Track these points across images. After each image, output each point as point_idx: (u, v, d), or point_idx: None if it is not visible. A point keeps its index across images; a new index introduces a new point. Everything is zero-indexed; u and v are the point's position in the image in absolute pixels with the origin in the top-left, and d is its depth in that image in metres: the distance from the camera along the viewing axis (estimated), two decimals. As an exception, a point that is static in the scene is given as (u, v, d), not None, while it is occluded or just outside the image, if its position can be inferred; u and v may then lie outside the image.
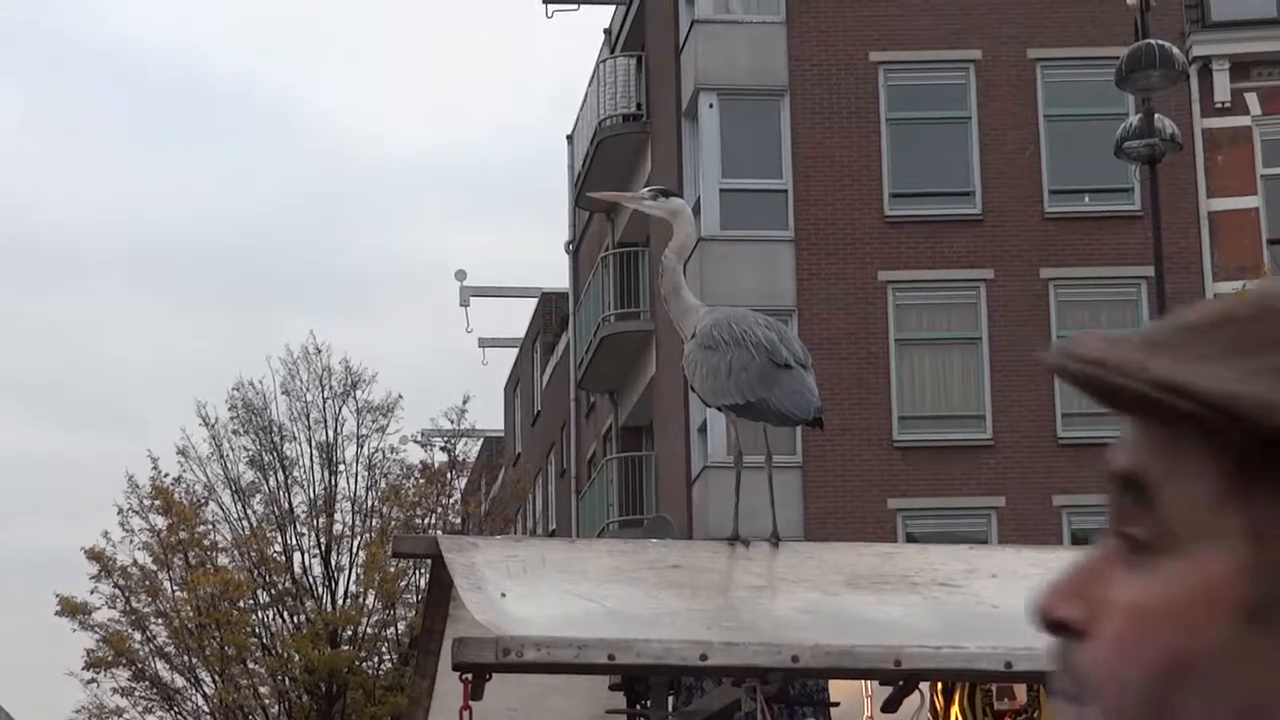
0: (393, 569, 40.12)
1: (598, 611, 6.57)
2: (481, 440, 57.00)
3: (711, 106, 37.59)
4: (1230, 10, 37.69)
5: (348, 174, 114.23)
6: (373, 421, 44.25)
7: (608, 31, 46.46)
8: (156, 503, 43.24)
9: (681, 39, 39.11)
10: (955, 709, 8.11)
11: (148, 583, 42.88)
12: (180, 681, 43.53)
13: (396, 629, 42.37)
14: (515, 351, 59.83)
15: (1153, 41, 23.24)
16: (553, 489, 52.99)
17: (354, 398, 44.36)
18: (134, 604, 43.07)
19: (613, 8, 46.15)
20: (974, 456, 36.25)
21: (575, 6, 45.84)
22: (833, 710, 7.68)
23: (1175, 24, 34.69)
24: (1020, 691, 8.30)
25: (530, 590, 6.71)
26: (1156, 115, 23.17)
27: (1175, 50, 24.18)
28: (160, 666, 43.55)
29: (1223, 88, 36.97)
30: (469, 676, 6.04)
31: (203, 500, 43.99)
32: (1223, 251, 36.18)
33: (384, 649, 43.32)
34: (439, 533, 36.02)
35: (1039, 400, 35.85)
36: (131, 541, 43.23)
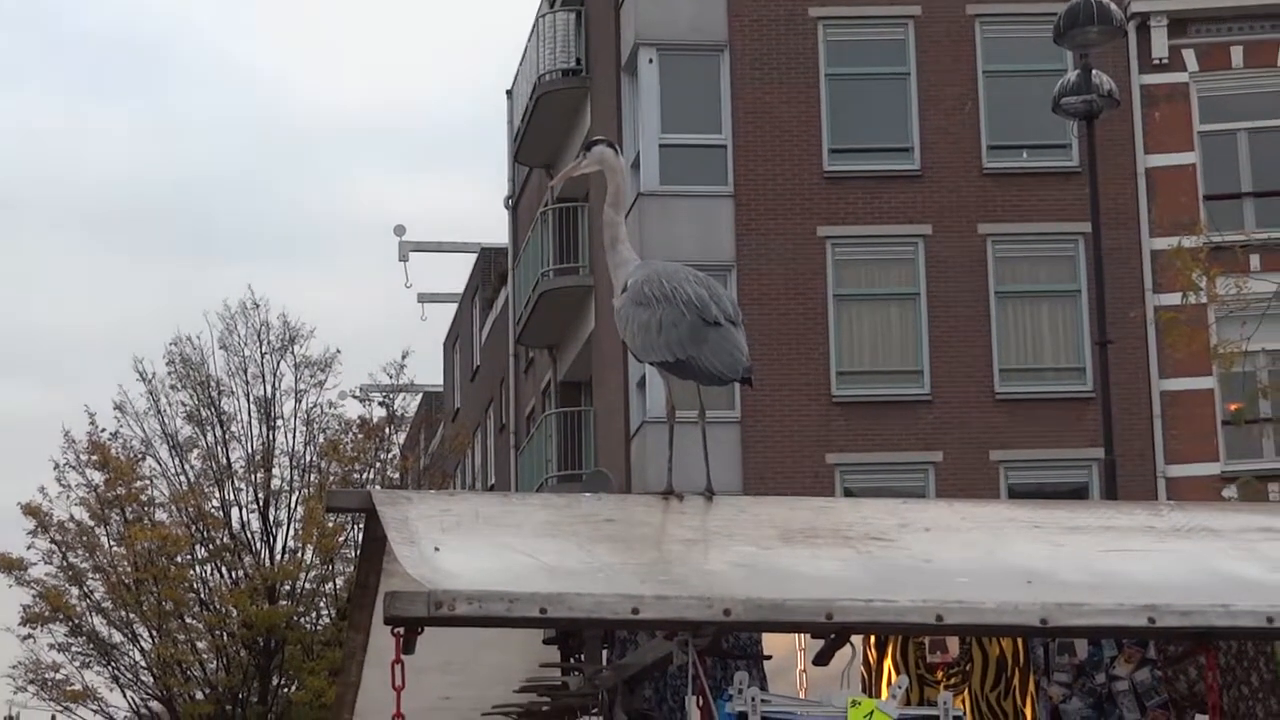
0: (331, 524, 40.14)
1: (531, 565, 6.59)
2: (420, 395, 57.27)
3: (651, 62, 37.57)
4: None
5: (291, 132, 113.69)
6: (311, 376, 44.12)
7: (546, -15, 46.38)
8: (94, 458, 43.11)
9: (621, -8, 39.11)
10: (888, 662, 8.18)
11: (85, 538, 42.84)
12: (118, 637, 43.47)
13: (335, 584, 42.37)
14: (455, 307, 59.87)
15: (1088, -1, 23.38)
16: (492, 444, 53.04)
17: (292, 353, 44.20)
18: (71, 559, 42.95)
19: (552, -39, 46.07)
20: (912, 412, 36.44)
21: (515, -40, 45.78)
22: (766, 663, 7.71)
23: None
24: (953, 644, 8.37)
25: (463, 544, 6.73)
26: (1094, 71, 23.30)
27: (1113, 6, 24.26)
28: (97, 622, 43.44)
29: (1160, 44, 37.14)
30: (401, 631, 6.05)
31: (140, 455, 43.87)
32: (1160, 208, 36.38)
33: (322, 604, 43.37)
34: (373, 487, 36.06)
35: (977, 356, 36.10)
36: (68, 497, 43.21)
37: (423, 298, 56.80)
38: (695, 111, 37.79)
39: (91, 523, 42.85)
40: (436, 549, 6.43)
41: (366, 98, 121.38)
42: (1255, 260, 35.16)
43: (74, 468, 43.34)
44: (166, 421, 43.91)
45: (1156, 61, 37.07)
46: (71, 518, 42.98)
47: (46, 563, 43.18)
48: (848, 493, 32.65)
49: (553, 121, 43.01)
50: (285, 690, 42.68)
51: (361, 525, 7.22)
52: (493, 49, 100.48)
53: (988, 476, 34.96)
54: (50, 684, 44.65)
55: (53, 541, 42.85)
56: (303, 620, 42.82)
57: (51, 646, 43.89)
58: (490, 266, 53.71)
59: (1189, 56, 37.34)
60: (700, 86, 37.79)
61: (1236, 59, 37.35)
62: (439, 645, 6.30)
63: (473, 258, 56.17)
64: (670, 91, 37.75)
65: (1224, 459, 35.58)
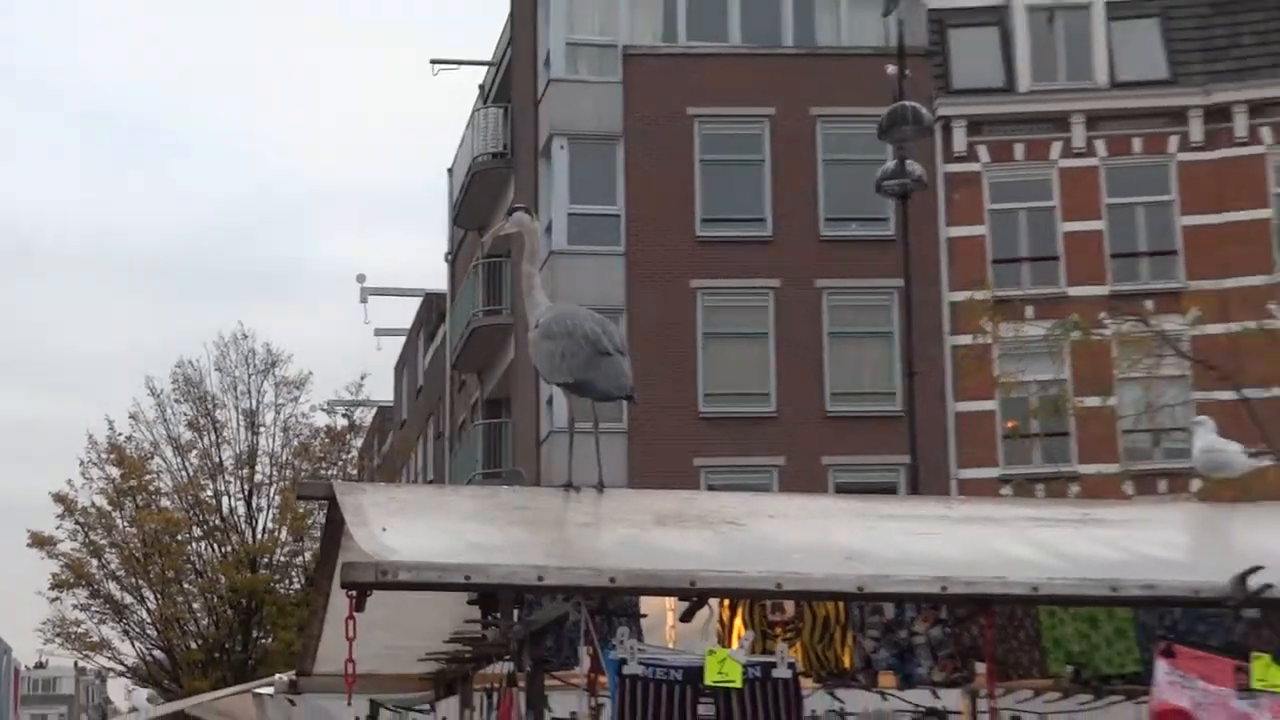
0: (301, 510, 40.37)
1: (459, 543, 6.58)
2: (375, 409, 57.46)
3: (562, 148, 37.61)
4: (967, 80, 38.21)
5: (273, 197, 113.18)
6: (288, 393, 44.78)
7: (482, 86, 46.33)
8: (111, 456, 43.55)
9: (540, 94, 39.07)
10: (738, 620, 8.19)
11: (103, 520, 43.16)
12: (129, 599, 43.79)
13: (304, 558, 42.38)
14: (404, 339, 59.50)
15: (906, 103, 23.46)
16: (431, 448, 52.75)
17: (273, 374, 44.82)
18: (92, 537, 43.24)
19: (486, 68, 46.11)
20: (761, 426, 36.53)
21: (456, 67, 45.83)
22: (642, 620, 7.72)
23: (925, 89, 35.10)
24: (789, 607, 8.38)
25: (406, 526, 6.70)
26: (908, 161, 23.38)
27: (924, 110, 24.40)
28: (112, 587, 43.81)
29: (960, 141, 37.48)
30: (354, 593, 6.05)
31: (149, 454, 44.25)
32: (957, 268, 36.67)
33: (294, 574, 43.56)
34: (335, 480, 36.00)
35: (812, 382, 36.28)
36: (90, 487, 43.56)
37: (379, 332, 56.39)
38: (596, 188, 37.81)
39: (109, 508, 43.12)
40: (384, 529, 6.41)
41: (335, 172, 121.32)
42: (1030, 310, 35.55)
43: (95, 464, 43.82)
44: (171, 428, 44.40)
45: (957, 154, 37.40)
46: (93, 504, 43.28)
47: (72, 540, 43.48)
48: (710, 488, 32.66)
49: (484, 193, 42.89)
50: (263, 641, 42.89)
51: (325, 511, 7.18)
52: (440, 133, 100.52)
53: (819, 476, 35.08)
54: (73, 637, 45.35)
55: (77, 523, 43.15)
56: (278, 586, 43.12)
57: (75, 607, 44.28)
58: (433, 308, 53.44)
59: (982, 151, 37.67)
60: (600, 168, 37.82)
61: (1019, 154, 37.70)
62: (385, 605, 6.28)
63: (419, 300, 55.92)
64: (576, 172, 37.78)
65: (1002, 464, 35.87)
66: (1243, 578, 6.43)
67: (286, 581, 43.55)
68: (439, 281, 52.82)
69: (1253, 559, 6.54)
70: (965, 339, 34.96)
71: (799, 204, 37.42)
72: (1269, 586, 6.40)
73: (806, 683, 7.89)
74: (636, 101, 37.92)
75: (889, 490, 31.21)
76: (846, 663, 8.38)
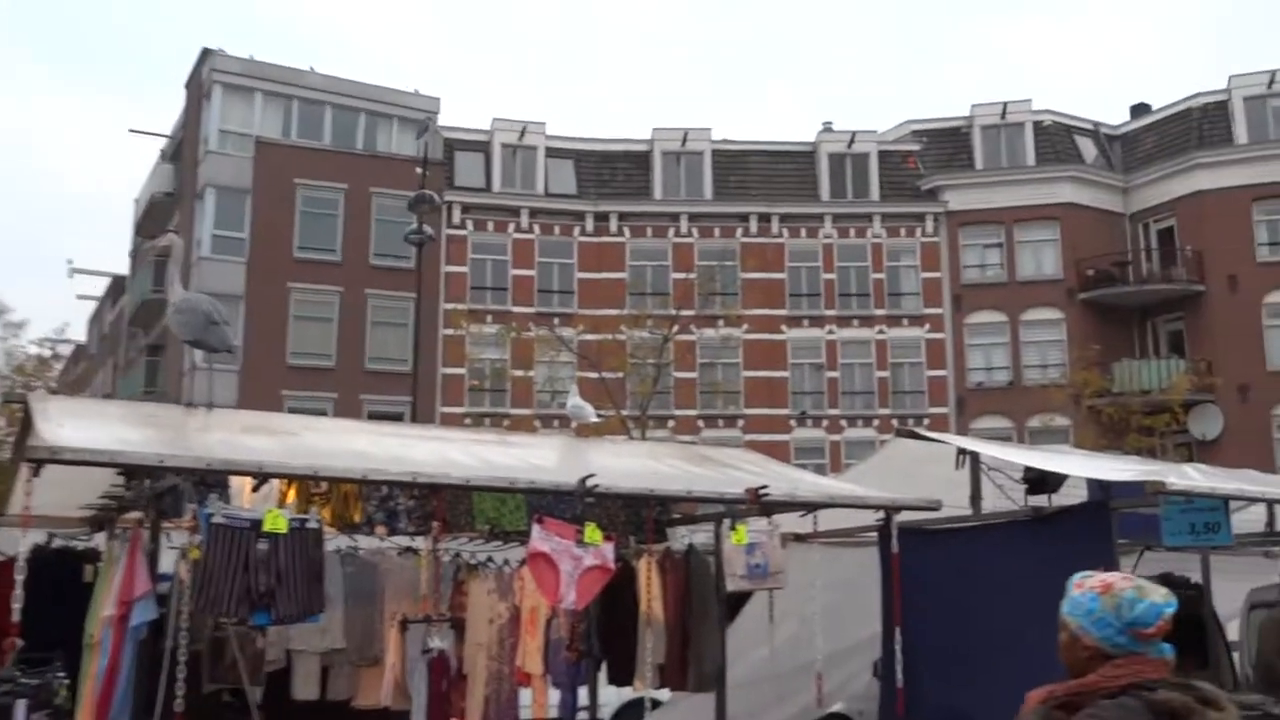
0: (15, 411, 36.28)
1: (109, 436, 6.14)
2: (74, 346, 52.42)
3: (211, 193, 35.56)
4: (464, 180, 38.15)
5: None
6: (12, 331, 40.02)
7: (163, 150, 42.99)
8: None
9: (200, 158, 36.65)
10: (291, 491, 7.84)
11: None
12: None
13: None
14: (97, 303, 54.50)
15: (425, 191, 23.36)
16: (111, 376, 48.56)
17: (3, 318, 39.92)
18: None
19: (167, 139, 42.76)
20: (325, 374, 35.28)
21: (149, 135, 42.36)
22: (229, 491, 7.35)
23: (438, 184, 35.05)
24: (325, 485, 8.15)
25: (77, 425, 6.20)
26: (425, 225, 23.28)
27: (436, 196, 24.34)
28: None
29: (457, 216, 37.46)
30: (35, 465, 5.56)
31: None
32: (450, 290, 36.57)
33: (8, 453, 39.12)
34: (36, 391, 32.83)
35: (356, 350, 35.52)
36: None
37: (80, 297, 51.76)
38: (231, 220, 35.81)
39: None
40: (61, 425, 5.93)
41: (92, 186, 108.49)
42: (489, 318, 35.89)
43: None
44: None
45: (454, 224, 37.35)
46: None
47: None
48: (289, 412, 31.50)
49: (158, 216, 40.21)
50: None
51: (23, 411, 6.57)
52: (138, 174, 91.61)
53: (359, 409, 34.30)
54: None
55: None
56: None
57: None
58: (121, 285, 49.22)
59: (469, 223, 37.76)
60: (235, 208, 35.84)
61: (490, 227, 37.81)
62: (59, 473, 5.79)
63: (110, 279, 51.35)
64: (220, 209, 35.71)
65: (467, 406, 35.91)
66: (584, 480, 6.70)
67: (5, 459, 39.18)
68: (124, 268, 48.75)
69: (591, 469, 6.84)
70: (450, 331, 35.13)
71: (359, 243, 36.52)
72: (596, 485, 6.71)
73: (330, 530, 7.74)
74: (261, 171, 36.06)
75: (399, 419, 30.91)
76: (356, 518, 8.25)
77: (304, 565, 6.15)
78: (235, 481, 6.67)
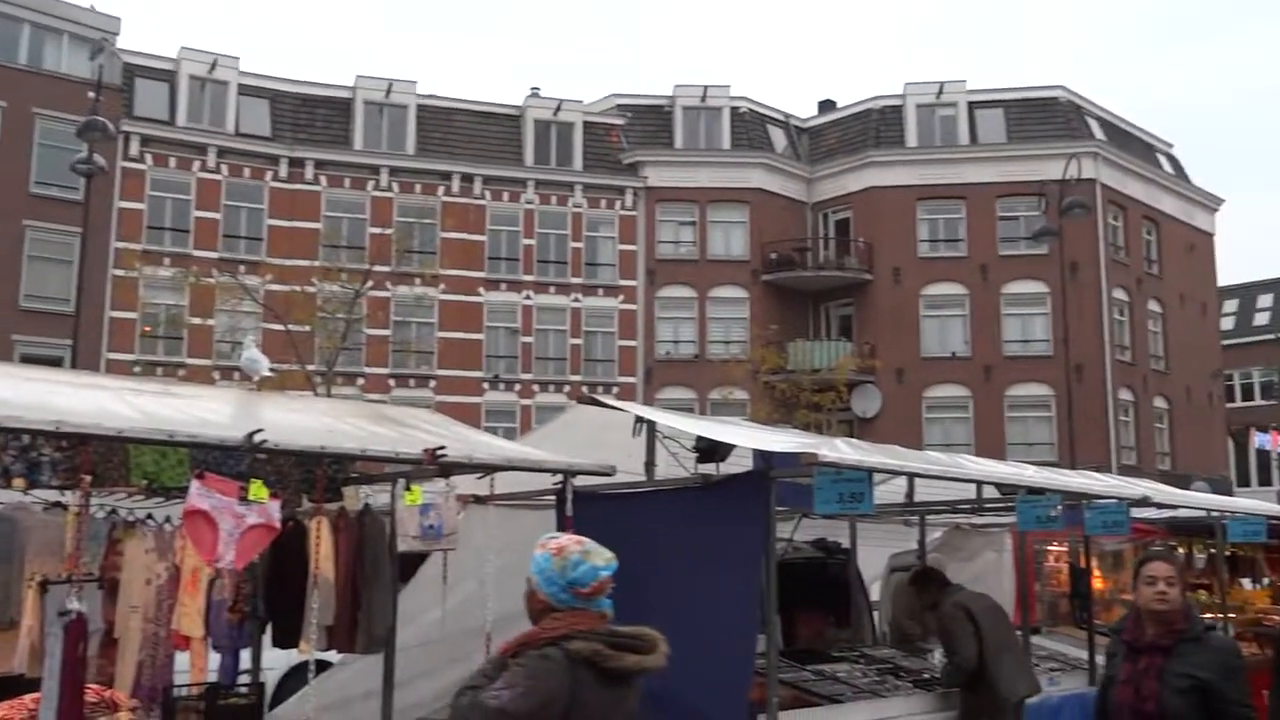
0: None
1: None
2: None
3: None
4: (145, 111, 35.37)
5: None
6: None
7: None
8: None
9: None
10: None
11: None
12: None
13: None
14: None
15: (98, 117, 21.51)
16: None
17: None
18: None
19: None
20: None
21: None
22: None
23: (115, 111, 32.44)
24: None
25: None
26: (97, 154, 21.37)
27: (110, 124, 22.45)
28: None
29: (135, 148, 34.74)
30: None
31: None
32: (124, 228, 33.98)
33: None
34: None
35: (12, 285, 32.28)
36: None
37: None
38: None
39: None
40: None
41: None
42: (167, 260, 33.66)
43: None
44: None
45: (132, 156, 34.57)
46: None
47: None
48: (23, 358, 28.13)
49: None
50: None
51: None
52: None
53: (10, 352, 31.31)
54: None
55: None
56: None
57: None
58: None
59: (148, 158, 35.09)
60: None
61: (172, 164, 35.30)
62: None
63: None
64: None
65: (138, 353, 33.58)
66: (251, 435, 6.47)
67: None
68: None
69: (264, 424, 6.59)
70: (121, 272, 32.71)
71: (17, 168, 33.01)
72: (264, 441, 6.49)
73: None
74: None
75: (58, 363, 28.42)
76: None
77: (-75, 521, 5.57)
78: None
